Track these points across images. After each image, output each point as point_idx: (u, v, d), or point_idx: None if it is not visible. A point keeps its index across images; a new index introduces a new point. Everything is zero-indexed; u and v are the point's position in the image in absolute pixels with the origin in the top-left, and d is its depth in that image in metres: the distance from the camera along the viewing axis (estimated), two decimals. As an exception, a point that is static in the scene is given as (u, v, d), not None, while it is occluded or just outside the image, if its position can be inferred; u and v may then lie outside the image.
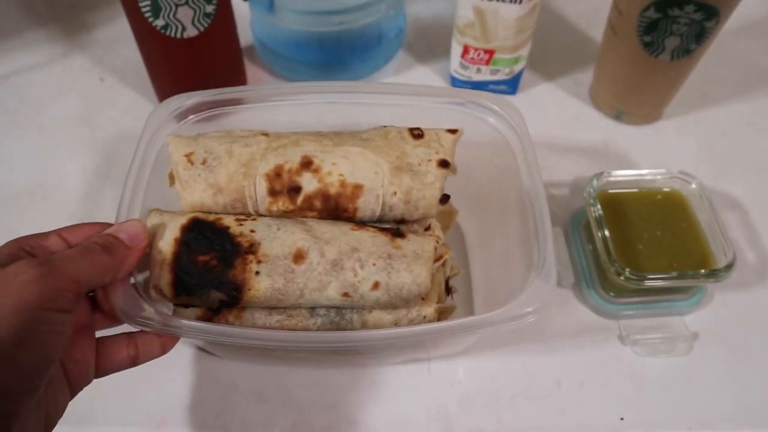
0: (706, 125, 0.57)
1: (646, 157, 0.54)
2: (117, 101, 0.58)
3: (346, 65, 0.57)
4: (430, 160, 0.38)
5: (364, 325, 0.37)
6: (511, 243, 0.42)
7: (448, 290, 0.41)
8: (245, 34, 0.58)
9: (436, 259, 0.36)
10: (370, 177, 0.38)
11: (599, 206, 0.45)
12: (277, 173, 0.38)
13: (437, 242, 0.37)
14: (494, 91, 0.56)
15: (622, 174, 0.47)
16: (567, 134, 0.55)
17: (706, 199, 0.46)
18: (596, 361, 0.44)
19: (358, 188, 0.38)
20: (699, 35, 0.48)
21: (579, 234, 0.48)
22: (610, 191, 0.47)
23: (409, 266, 0.35)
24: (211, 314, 0.37)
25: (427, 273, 0.35)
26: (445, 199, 0.39)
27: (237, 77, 0.56)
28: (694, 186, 0.47)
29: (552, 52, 0.62)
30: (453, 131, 0.40)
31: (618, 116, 0.56)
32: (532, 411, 0.42)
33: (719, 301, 0.47)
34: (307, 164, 0.38)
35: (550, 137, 0.55)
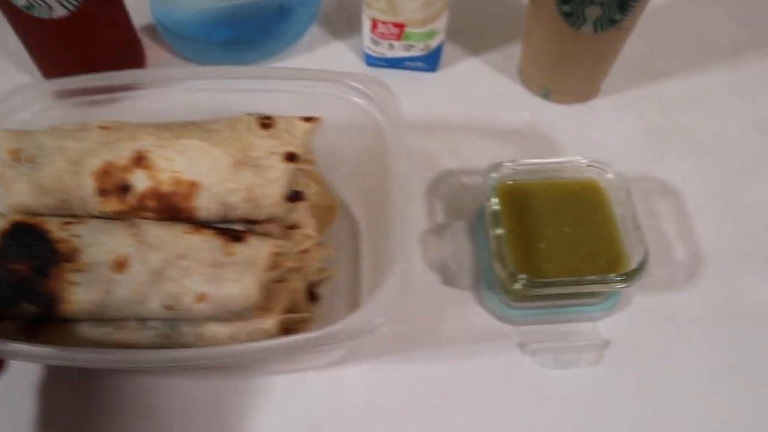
0: (647, 103, 0.51)
1: (576, 139, 0.49)
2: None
3: (253, 43, 0.53)
4: (275, 153, 0.34)
5: (199, 339, 0.33)
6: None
7: (314, 297, 0.37)
8: (147, 12, 0.54)
9: (273, 267, 0.32)
10: (207, 173, 0.34)
11: (496, 200, 0.40)
12: (107, 171, 0.34)
13: (283, 245, 0.33)
14: (411, 69, 0.51)
15: (529, 163, 0.42)
16: (490, 115, 0.50)
17: (623, 190, 0.41)
18: (493, 372, 0.40)
19: (194, 186, 0.34)
20: (622, 4, 0.42)
21: (482, 229, 0.43)
22: (517, 181, 0.42)
23: (239, 276, 0.31)
24: (31, 327, 0.33)
25: (254, 284, 0.31)
26: (295, 196, 0.35)
27: (133, 60, 0.52)
28: (610, 175, 0.41)
29: (479, 23, 0.56)
30: (309, 119, 0.36)
31: (546, 94, 0.51)
32: (415, 427, 0.38)
33: (639, 304, 0.42)
34: (138, 160, 0.34)
35: (470, 119, 0.50)
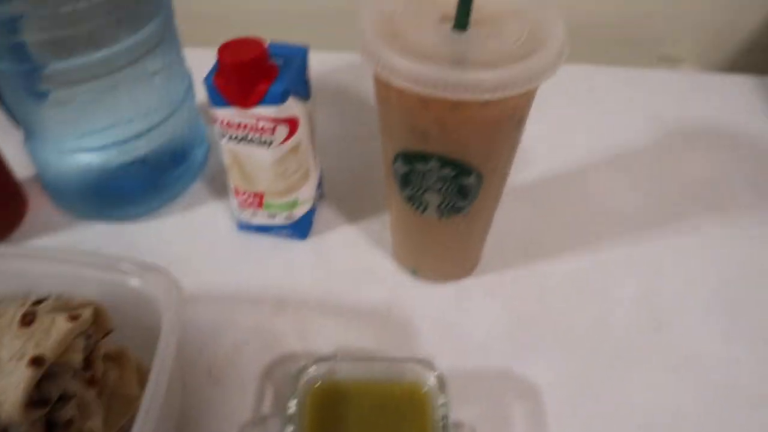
0: (523, 285, 0.48)
1: (435, 325, 0.45)
2: None
3: (126, 197, 0.52)
4: (22, 357, 0.32)
5: None
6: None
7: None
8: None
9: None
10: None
11: (295, 401, 0.36)
12: None
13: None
14: (280, 236, 0.49)
15: (348, 362, 0.39)
16: (352, 291, 0.47)
17: (444, 396, 0.37)
18: None
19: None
20: (462, 193, 0.40)
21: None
22: (331, 381, 0.38)
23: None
24: None
25: None
26: (40, 404, 0.32)
27: (9, 212, 0.52)
28: (433, 379, 0.38)
29: (360, 188, 0.54)
30: (76, 317, 0.34)
31: (414, 272, 0.48)
32: None
33: None
34: None
35: (329, 294, 0.47)
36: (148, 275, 0.37)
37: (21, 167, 0.53)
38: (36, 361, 0.31)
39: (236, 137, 0.44)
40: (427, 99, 0.34)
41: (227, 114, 0.42)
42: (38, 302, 0.36)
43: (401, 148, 0.39)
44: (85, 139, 0.48)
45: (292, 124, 0.43)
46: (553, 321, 0.46)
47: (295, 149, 0.45)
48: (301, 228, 0.49)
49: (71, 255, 0.37)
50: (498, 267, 0.49)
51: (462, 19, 0.36)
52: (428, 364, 0.38)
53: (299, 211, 0.48)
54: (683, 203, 0.54)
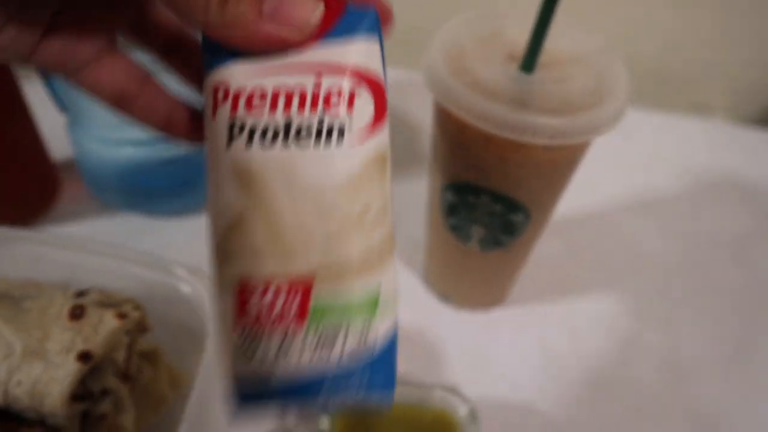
0: (554, 319, 0.48)
1: (465, 352, 0.46)
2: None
3: (162, 193, 0.52)
4: (70, 351, 0.32)
5: None
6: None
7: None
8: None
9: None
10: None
11: (326, 418, 0.37)
12: None
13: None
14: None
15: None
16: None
17: (476, 428, 0.37)
18: None
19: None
20: (507, 228, 0.40)
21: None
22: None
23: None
24: None
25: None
26: (83, 398, 0.32)
27: (43, 195, 0.52)
28: (464, 409, 0.38)
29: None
30: (123, 316, 0.34)
31: (446, 298, 0.48)
32: None
33: None
34: (-71, 333, 0.32)
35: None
36: (195, 279, 0.37)
37: (59, 150, 0.53)
38: (84, 357, 0.32)
39: (264, 132, 0.20)
40: (490, 136, 0.35)
41: (243, 74, 0.21)
42: (83, 293, 0.36)
43: (454, 178, 0.39)
44: (130, 132, 0.48)
45: (379, 94, 0.22)
46: (580, 360, 0.46)
47: (382, 160, 0.22)
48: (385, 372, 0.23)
49: (118, 250, 0.38)
50: (528, 299, 0.49)
51: (530, 62, 0.36)
52: (459, 393, 0.38)
53: (382, 326, 0.23)
54: (710, 254, 0.55)
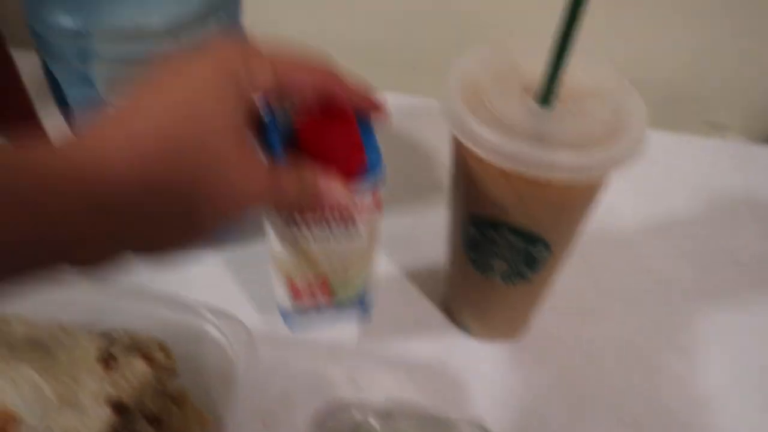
0: (574, 352, 0.48)
1: (486, 384, 0.46)
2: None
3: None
4: (101, 398, 0.32)
5: None
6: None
7: None
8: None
9: None
10: (31, 407, 0.32)
11: None
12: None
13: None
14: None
15: (406, 418, 0.39)
16: (401, 343, 0.48)
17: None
18: None
19: (13, 419, 0.32)
20: (529, 262, 0.40)
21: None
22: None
23: None
24: None
25: None
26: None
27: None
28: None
29: (411, 240, 0.55)
30: (151, 359, 0.34)
31: (467, 329, 0.49)
32: None
33: None
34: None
35: (381, 343, 0.48)
36: (222, 321, 0.37)
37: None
38: (116, 406, 0.32)
39: (311, 232, 0.36)
40: (508, 173, 0.35)
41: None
42: (108, 335, 0.36)
43: (473, 212, 0.39)
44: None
45: (379, 201, 0.37)
46: (603, 391, 0.46)
47: (377, 227, 0.39)
48: (364, 306, 0.47)
49: (144, 291, 0.38)
50: (549, 329, 0.49)
51: (547, 96, 0.36)
52: (485, 428, 0.38)
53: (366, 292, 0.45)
54: (730, 276, 0.54)
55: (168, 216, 0.24)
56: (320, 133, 0.31)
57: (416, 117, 0.67)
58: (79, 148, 0.22)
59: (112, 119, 0.24)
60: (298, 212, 0.34)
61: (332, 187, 0.30)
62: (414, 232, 0.56)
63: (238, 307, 0.42)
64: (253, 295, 0.50)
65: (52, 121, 0.49)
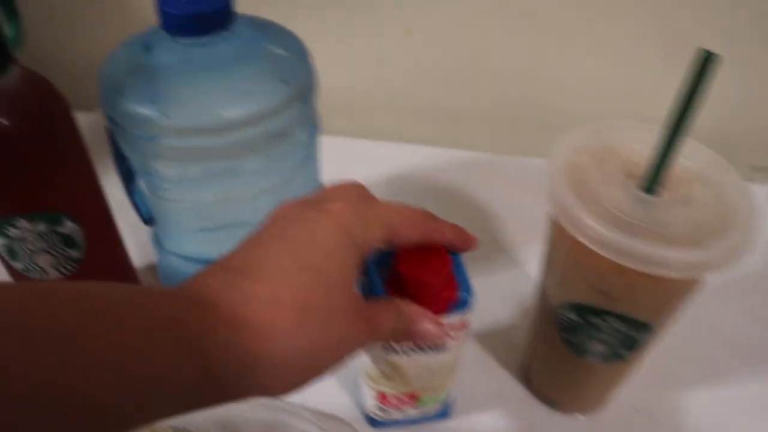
0: (659, 421, 0.47)
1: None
2: None
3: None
4: None
5: None
6: None
7: None
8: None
9: None
10: None
11: None
12: None
13: None
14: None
15: None
16: (482, 417, 0.47)
17: None
18: None
19: None
20: (629, 344, 0.40)
21: None
22: None
23: None
24: None
25: None
26: None
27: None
28: None
29: (481, 309, 0.54)
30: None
31: (552, 404, 0.48)
32: None
33: None
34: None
35: (459, 418, 0.47)
36: (323, 421, 0.36)
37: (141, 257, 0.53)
38: None
39: (406, 350, 0.38)
40: (621, 266, 0.34)
41: None
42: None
43: (575, 300, 0.39)
44: (212, 249, 0.47)
45: (467, 322, 0.38)
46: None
47: (463, 342, 0.40)
48: (448, 409, 0.47)
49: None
50: (628, 399, 0.48)
51: (653, 184, 0.36)
52: None
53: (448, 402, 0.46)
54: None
55: (296, 371, 0.27)
56: (417, 270, 0.33)
57: (477, 174, 0.66)
58: (249, 333, 0.25)
59: (253, 275, 0.26)
60: (394, 342, 0.36)
61: (426, 321, 0.33)
62: (481, 295, 0.55)
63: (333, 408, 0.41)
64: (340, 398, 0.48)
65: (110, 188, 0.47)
